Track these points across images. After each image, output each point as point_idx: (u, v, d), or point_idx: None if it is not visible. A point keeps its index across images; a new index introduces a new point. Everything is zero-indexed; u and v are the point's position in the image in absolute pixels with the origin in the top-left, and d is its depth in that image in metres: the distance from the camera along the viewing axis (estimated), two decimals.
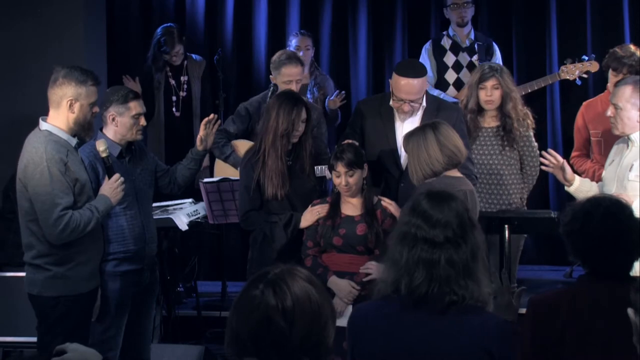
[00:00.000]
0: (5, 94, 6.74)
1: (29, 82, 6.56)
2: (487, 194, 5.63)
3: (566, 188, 4.83)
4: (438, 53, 6.89)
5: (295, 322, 2.22)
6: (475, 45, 6.85)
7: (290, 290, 2.24)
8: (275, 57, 5.81)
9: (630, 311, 2.49)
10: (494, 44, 6.91)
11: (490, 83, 5.57)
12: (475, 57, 6.81)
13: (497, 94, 5.57)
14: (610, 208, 3.04)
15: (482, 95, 5.59)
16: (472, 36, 6.89)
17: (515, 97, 5.61)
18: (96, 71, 4.44)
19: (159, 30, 6.98)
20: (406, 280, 2.78)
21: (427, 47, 6.95)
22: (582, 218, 3.05)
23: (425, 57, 6.91)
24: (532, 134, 5.66)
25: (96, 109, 4.32)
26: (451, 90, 6.78)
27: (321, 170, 4.82)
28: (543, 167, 4.93)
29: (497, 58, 6.82)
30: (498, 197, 5.62)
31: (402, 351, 2.79)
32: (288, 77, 5.64)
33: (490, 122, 5.64)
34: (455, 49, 6.88)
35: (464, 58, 6.85)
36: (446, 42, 6.91)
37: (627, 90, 4.57)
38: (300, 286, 2.26)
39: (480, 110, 5.63)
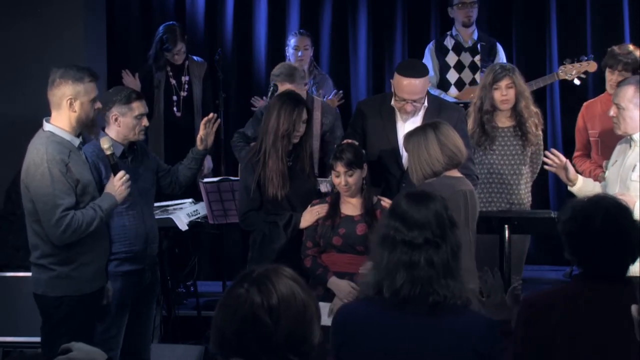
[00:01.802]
0: (5, 94, 6.74)
1: (29, 82, 6.56)
2: (509, 194, 5.62)
3: (569, 188, 4.83)
4: (441, 53, 6.88)
5: (280, 319, 2.22)
6: (478, 46, 6.85)
7: (275, 288, 2.24)
8: (275, 68, 5.78)
9: (634, 308, 2.49)
10: (497, 44, 6.90)
11: (504, 83, 5.56)
12: (477, 58, 6.80)
13: (512, 93, 5.56)
14: (610, 210, 3.02)
15: (497, 95, 5.57)
16: (475, 36, 6.89)
17: (527, 96, 5.62)
18: (96, 71, 4.40)
19: (161, 28, 6.95)
20: (388, 283, 2.80)
21: (430, 47, 6.95)
22: (581, 219, 3.03)
23: (428, 57, 6.91)
24: (540, 132, 5.68)
25: (98, 105, 4.27)
26: (452, 90, 6.78)
27: (329, 184, 4.81)
28: (546, 167, 4.93)
29: (500, 58, 6.80)
30: (518, 196, 5.63)
31: (391, 352, 2.80)
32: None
33: (505, 122, 5.63)
34: (458, 49, 6.87)
35: (466, 58, 6.85)
36: (449, 42, 6.90)
37: (629, 91, 4.57)
38: (285, 284, 2.26)
39: (493, 110, 5.62)
